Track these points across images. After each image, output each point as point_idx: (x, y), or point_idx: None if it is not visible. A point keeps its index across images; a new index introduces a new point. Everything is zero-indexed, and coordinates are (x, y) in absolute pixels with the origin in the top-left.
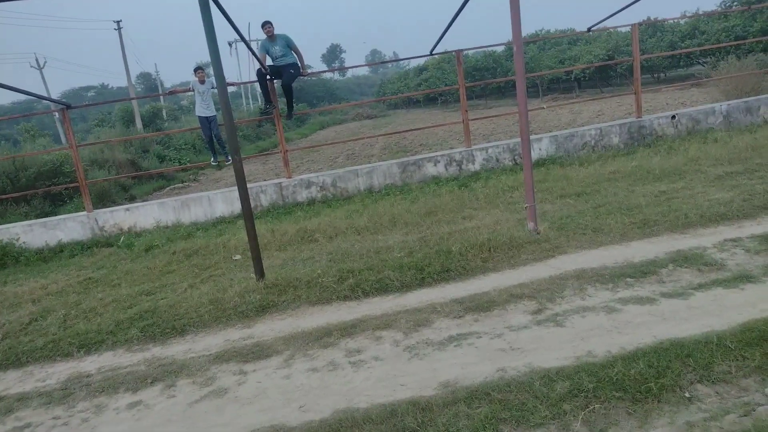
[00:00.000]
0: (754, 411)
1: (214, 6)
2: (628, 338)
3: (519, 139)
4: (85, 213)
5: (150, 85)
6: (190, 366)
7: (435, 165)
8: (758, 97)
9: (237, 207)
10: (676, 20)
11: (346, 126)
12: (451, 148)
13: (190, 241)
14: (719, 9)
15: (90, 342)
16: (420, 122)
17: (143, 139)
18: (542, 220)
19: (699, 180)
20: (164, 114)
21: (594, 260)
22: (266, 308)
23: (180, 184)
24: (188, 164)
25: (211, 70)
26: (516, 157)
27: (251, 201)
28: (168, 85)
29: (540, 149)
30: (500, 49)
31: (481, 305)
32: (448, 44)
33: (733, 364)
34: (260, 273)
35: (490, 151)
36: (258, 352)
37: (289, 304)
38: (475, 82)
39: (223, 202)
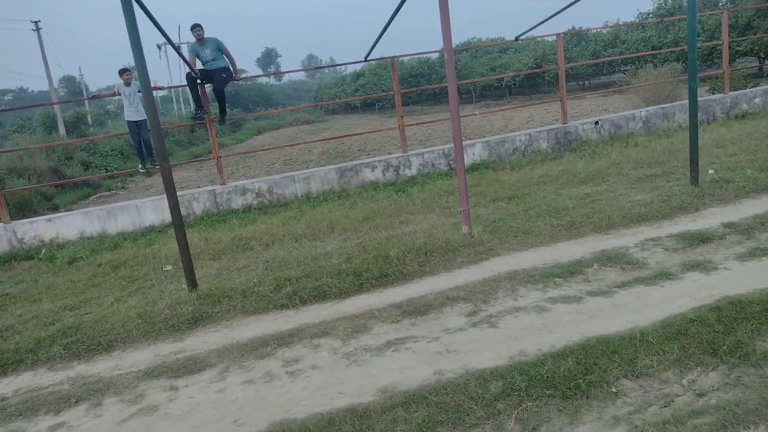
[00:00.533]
0: (673, 402)
1: (139, 7)
2: (558, 336)
3: (453, 144)
4: (1, 224)
5: (74, 89)
6: (117, 383)
7: (373, 170)
8: (674, 103)
9: (168, 215)
10: (598, 30)
11: (283, 131)
12: (389, 154)
13: (117, 252)
14: (637, 20)
15: (6, 362)
16: (358, 128)
17: (66, 145)
18: (476, 223)
19: (621, 182)
20: (89, 119)
21: (525, 261)
22: (199, 320)
23: (107, 192)
24: (115, 171)
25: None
26: (451, 162)
27: (183, 209)
28: (93, 88)
29: (473, 154)
30: (435, 56)
31: (418, 309)
32: (384, 51)
33: (654, 358)
34: (192, 284)
35: (425, 156)
36: (190, 367)
37: (224, 315)
38: (411, 88)
39: (152, 210)
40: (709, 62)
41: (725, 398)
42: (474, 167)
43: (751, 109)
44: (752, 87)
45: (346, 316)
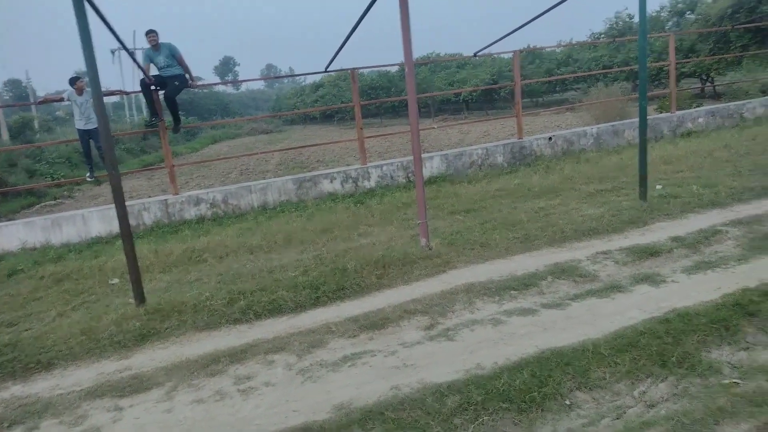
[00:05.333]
0: (625, 413)
1: (93, 10)
2: (513, 349)
3: (412, 157)
4: None
5: (20, 93)
6: (57, 404)
7: (331, 182)
8: (623, 121)
9: (116, 226)
10: (552, 48)
11: (241, 141)
12: (348, 165)
13: (61, 264)
14: (589, 40)
15: None
16: (316, 138)
17: (10, 151)
18: (434, 236)
19: (573, 197)
20: (36, 125)
21: (482, 274)
22: (147, 336)
23: (52, 201)
24: (62, 179)
25: None
26: (409, 175)
27: (133, 219)
28: (41, 93)
29: (432, 167)
30: (394, 69)
31: (375, 323)
32: (344, 63)
33: (606, 370)
34: (140, 298)
35: (384, 168)
36: (136, 385)
37: (173, 330)
38: (371, 100)
39: (99, 220)
40: (656, 82)
41: (674, 409)
42: (432, 180)
43: (696, 128)
44: (696, 107)
45: (301, 331)
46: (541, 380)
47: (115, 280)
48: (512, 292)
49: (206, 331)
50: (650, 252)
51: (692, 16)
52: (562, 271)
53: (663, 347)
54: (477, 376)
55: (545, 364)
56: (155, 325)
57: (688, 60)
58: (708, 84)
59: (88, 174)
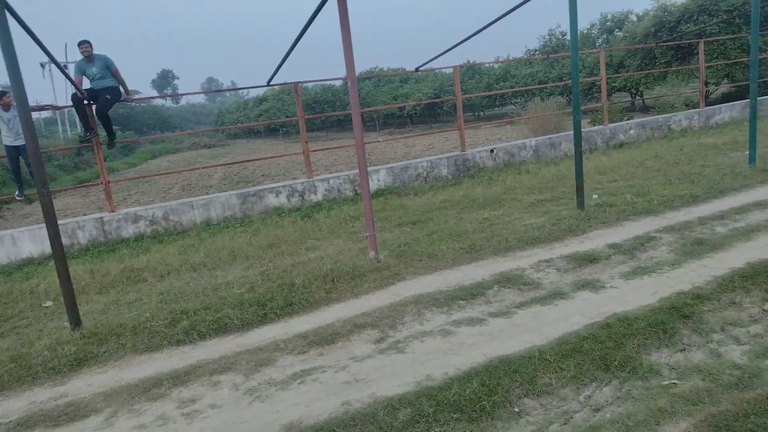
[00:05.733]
0: (572, 418)
1: (16, 21)
2: (462, 359)
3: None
4: None
5: None
6: None
7: (277, 196)
8: (559, 134)
9: (48, 246)
10: (491, 64)
11: (182, 155)
12: (294, 179)
13: None
14: (525, 56)
15: None
16: (261, 152)
17: None
18: (382, 248)
19: (516, 207)
20: None
21: (430, 285)
22: (83, 361)
23: None
24: None
25: None
26: (356, 188)
27: (66, 238)
28: None
29: (378, 180)
30: (338, 83)
31: (325, 338)
32: (287, 76)
33: (553, 376)
34: (76, 321)
35: (331, 182)
36: (72, 414)
37: (111, 354)
38: (315, 114)
39: (30, 240)
40: (589, 96)
41: (618, 411)
42: (379, 192)
43: (627, 140)
44: (627, 120)
45: (248, 350)
46: (491, 389)
47: (49, 303)
48: (460, 302)
49: (147, 354)
50: (589, 259)
51: (620, 34)
52: (507, 280)
53: (606, 351)
54: (428, 387)
55: (494, 372)
56: (92, 349)
57: (618, 75)
58: (637, 98)
59: (17, 192)
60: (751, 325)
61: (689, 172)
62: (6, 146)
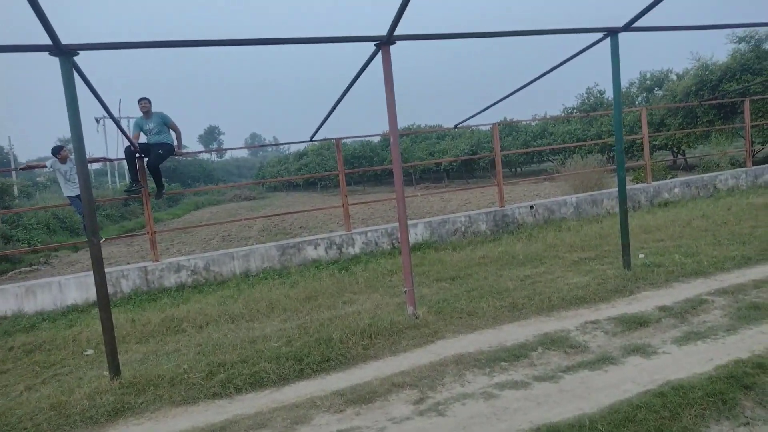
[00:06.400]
0: None
1: (80, 79)
2: (507, 425)
3: (396, 224)
4: None
5: (1, 159)
6: None
7: (315, 248)
8: (601, 191)
9: (93, 294)
10: (528, 122)
11: (223, 207)
12: (331, 231)
13: (33, 334)
14: (563, 114)
15: None
16: (300, 205)
17: None
18: (420, 303)
19: (558, 265)
20: (15, 190)
21: (471, 344)
22: (120, 412)
23: (27, 268)
24: (39, 245)
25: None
26: (394, 241)
27: (110, 286)
28: (23, 159)
29: (416, 234)
30: (376, 139)
31: (362, 397)
32: (326, 133)
33: None
34: (115, 370)
35: (369, 235)
36: None
37: (149, 405)
38: (354, 168)
39: (76, 288)
40: (629, 155)
41: None
42: (416, 246)
43: (672, 198)
44: (671, 178)
45: (285, 406)
46: None
47: (90, 351)
48: (503, 363)
49: (183, 406)
50: (639, 322)
51: (660, 92)
52: (552, 342)
53: (661, 422)
54: None
55: None
56: (130, 399)
57: (659, 133)
58: (679, 156)
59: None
60: None
61: (739, 233)
62: (69, 197)
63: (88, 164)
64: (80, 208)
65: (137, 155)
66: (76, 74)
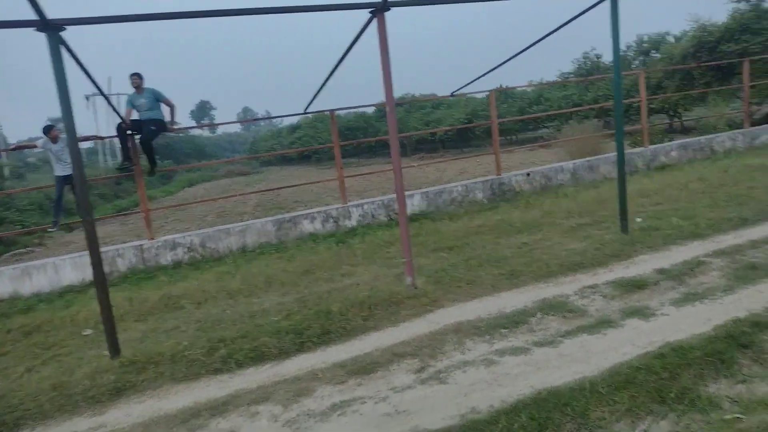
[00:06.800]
0: None
1: (69, 56)
2: (508, 390)
3: (393, 195)
4: None
5: None
6: None
7: (312, 222)
8: (598, 156)
9: (89, 274)
10: (524, 88)
11: (217, 183)
12: (327, 205)
13: (31, 315)
14: (559, 79)
15: None
16: (294, 179)
17: None
18: (419, 274)
19: (555, 231)
20: (6, 172)
21: (470, 312)
22: (122, 390)
23: (22, 249)
24: (33, 227)
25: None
26: (390, 213)
27: (106, 266)
28: (12, 140)
29: (412, 205)
30: (371, 110)
31: (364, 368)
32: (321, 105)
33: (606, 409)
34: (115, 349)
35: (365, 207)
36: None
37: (150, 383)
38: (349, 141)
39: (72, 268)
40: (626, 118)
41: None
42: (413, 217)
43: (669, 162)
44: (668, 141)
45: (286, 379)
46: (540, 423)
47: (89, 331)
48: (502, 330)
49: (185, 383)
50: (637, 285)
51: (657, 55)
52: (550, 307)
53: (660, 383)
54: (473, 421)
55: (543, 405)
56: (131, 378)
57: (656, 96)
58: (676, 119)
59: (52, 224)
60: None
61: (737, 194)
62: (56, 176)
63: (79, 143)
64: (59, 191)
65: (129, 132)
66: (64, 50)
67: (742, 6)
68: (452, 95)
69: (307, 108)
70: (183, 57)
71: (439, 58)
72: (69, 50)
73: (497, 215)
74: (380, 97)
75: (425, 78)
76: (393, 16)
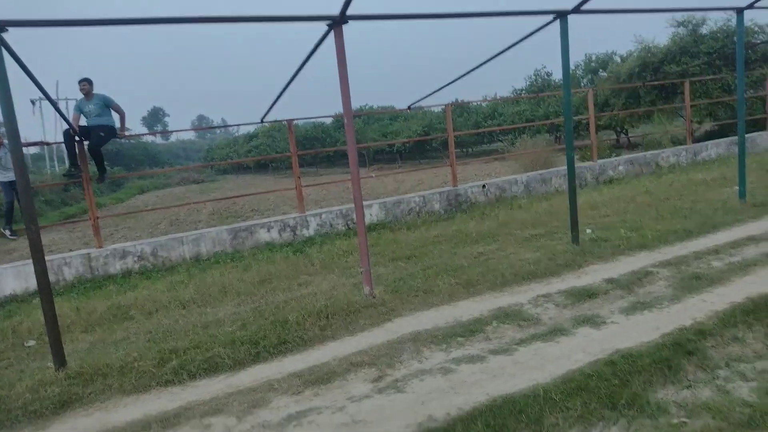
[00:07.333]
0: None
1: (12, 59)
2: (464, 398)
3: (351, 205)
4: None
5: None
6: None
7: (268, 231)
8: (550, 170)
9: (33, 283)
10: (479, 103)
11: (170, 191)
12: (285, 214)
13: None
14: (512, 95)
15: None
16: (251, 188)
17: None
18: (377, 283)
19: (510, 242)
20: None
21: (427, 321)
22: (67, 404)
23: None
24: None
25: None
26: (349, 222)
27: (52, 275)
28: None
29: (371, 215)
30: (329, 120)
31: (321, 377)
32: (277, 114)
33: (559, 415)
34: (60, 361)
35: (323, 216)
36: None
37: (98, 396)
38: (306, 150)
39: (14, 277)
40: (575, 134)
41: None
42: (372, 227)
43: (617, 176)
44: (615, 156)
45: (241, 390)
46: (496, 430)
47: (32, 342)
48: (459, 339)
49: (134, 395)
50: (588, 294)
51: (604, 74)
52: (506, 316)
53: (612, 389)
54: (430, 429)
55: (498, 412)
56: (77, 390)
57: (604, 113)
58: (623, 135)
59: (7, 231)
60: (756, 361)
61: (681, 208)
62: (1, 183)
63: (24, 148)
64: (9, 197)
65: (76, 138)
66: (6, 54)
67: (681, 30)
68: (409, 108)
69: (264, 117)
70: (134, 61)
71: (397, 72)
72: (12, 53)
73: (454, 225)
74: (338, 107)
75: (383, 90)
76: (351, 28)
